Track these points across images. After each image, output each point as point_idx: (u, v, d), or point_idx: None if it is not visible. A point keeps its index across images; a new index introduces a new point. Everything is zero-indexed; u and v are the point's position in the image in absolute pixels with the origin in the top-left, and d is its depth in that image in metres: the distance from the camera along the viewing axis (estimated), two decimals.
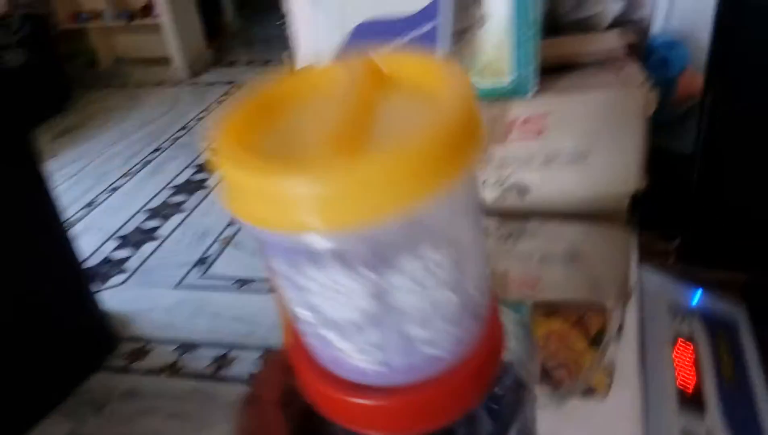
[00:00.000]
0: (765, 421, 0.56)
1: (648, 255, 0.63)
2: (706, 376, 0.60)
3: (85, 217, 2.33)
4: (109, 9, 3.48)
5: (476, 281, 0.21)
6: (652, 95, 0.53)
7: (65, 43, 3.46)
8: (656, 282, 0.71)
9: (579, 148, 0.55)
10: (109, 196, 2.46)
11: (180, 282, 1.90)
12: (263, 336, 1.61)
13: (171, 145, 2.82)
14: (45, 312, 1.43)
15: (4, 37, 3.04)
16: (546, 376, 0.46)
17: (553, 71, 0.59)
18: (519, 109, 0.55)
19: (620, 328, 0.48)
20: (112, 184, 2.54)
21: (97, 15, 3.55)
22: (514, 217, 0.59)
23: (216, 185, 2.35)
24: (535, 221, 0.59)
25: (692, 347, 0.63)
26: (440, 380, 0.20)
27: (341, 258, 0.17)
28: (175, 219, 2.24)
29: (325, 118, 0.19)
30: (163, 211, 2.30)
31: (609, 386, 0.47)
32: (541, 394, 0.45)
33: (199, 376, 1.54)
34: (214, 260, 1.98)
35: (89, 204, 2.42)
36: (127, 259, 2.06)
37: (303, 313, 0.20)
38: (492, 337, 0.22)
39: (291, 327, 0.22)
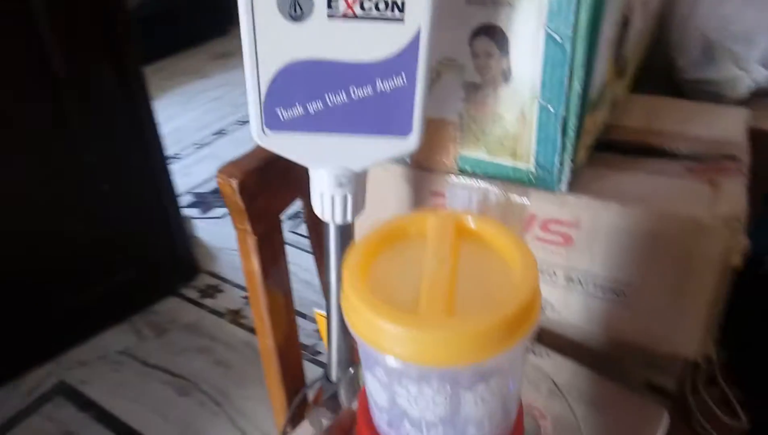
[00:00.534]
0: None
1: None
2: None
3: (212, 143, 2.44)
4: None
5: (516, 394, 0.28)
6: (742, 241, 0.36)
7: None
8: None
9: (617, 279, 0.40)
10: (239, 128, 2.55)
11: None
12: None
13: None
14: (134, 228, 1.51)
15: None
16: None
17: (617, 150, 0.43)
18: (542, 204, 0.41)
19: None
20: (246, 116, 2.63)
21: None
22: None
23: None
24: (541, 348, 0.45)
25: None
26: None
27: (428, 380, 0.24)
28: None
29: (424, 262, 0.26)
30: None
31: None
32: None
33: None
34: None
35: (220, 131, 2.53)
36: None
37: (385, 404, 0.26)
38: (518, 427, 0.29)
39: (364, 403, 0.29)
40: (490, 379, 0.24)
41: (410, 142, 0.35)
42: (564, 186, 0.40)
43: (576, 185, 0.40)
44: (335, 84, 0.33)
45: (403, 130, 0.35)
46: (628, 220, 0.39)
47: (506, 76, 0.37)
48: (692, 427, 0.47)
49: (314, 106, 0.34)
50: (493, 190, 0.42)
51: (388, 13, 0.31)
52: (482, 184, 0.42)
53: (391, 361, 0.24)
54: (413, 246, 0.27)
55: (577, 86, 0.35)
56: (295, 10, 0.30)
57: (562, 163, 0.38)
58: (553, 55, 0.35)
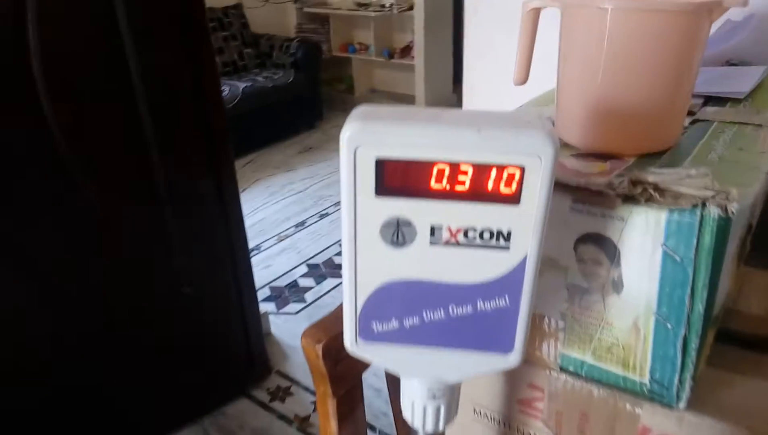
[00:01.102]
0: None
1: None
2: None
3: (292, 236, 2.51)
4: (375, 45, 3.74)
5: None
6: None
7: (331, 68, 3.82)
8: None
9: None
10: (318, 221, 2.61)
11: None
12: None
13: None
14: (211, 328, 1.54)
15: (281, 57, 3.46)
16: None
17: (737, 341, 0.39)
18: (658, 419, 0.36)
19: None
20: (325, 209, 2.70)
21: (364, 48, 3.85)
22: None
23: None
24: None
25: None
26: None
27: None
28: None
29: None
30: None
31: None
32: None
33: None
34: None
35: (301, 223, 2.60)
36: (309, 289, 2.15)
37: None
38: None
39: None
40: None
41: (511, 360, 0.33)
42: (683, 404, 0.35)
43: (695, 395, 0.36)
44: (434, 302, 0.31)
45: (504, 348, 0.32)
46: None
47: (617, 286, 0.34)
48: None
49: (410, 322, 0.32)
50: (600, 394, 0.38)
51: (493, 242, 0.29)
52: (586, 386, 0.39)
53: None
54: None
55: (699, 307, 0.32)
56: (397, 238, 0.29)
57: (681, 382, 0.34)
58: (672, 274, 0.32)
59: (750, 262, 0.46)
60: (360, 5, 3.73)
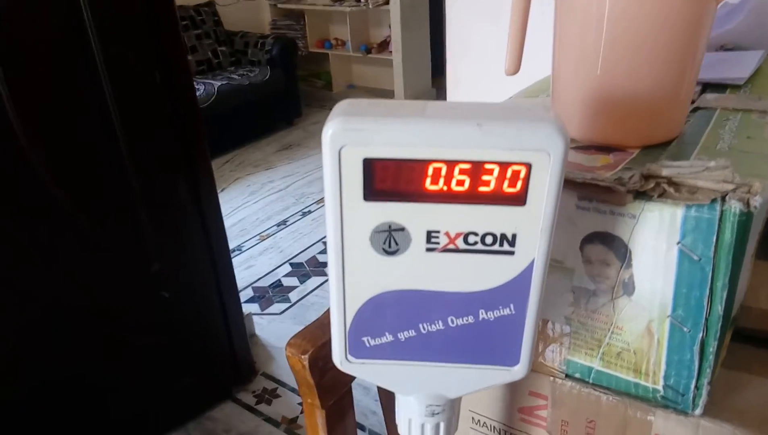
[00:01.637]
0: None
1: None
2: None
3: (274, 235, 2.46)
4: (352, 40, 3.69)
5: None
6: None
7: (308, 65, 3.76)
8: None
9: None
10: (300, 219, 2.57)
11: None
12: None
13: None
14: (193, 333, 1.50)
15: (257, 55, 3.40)
16: None
17: (750, 340, 0.37)
18: (672, 426, 0.34)
19: None
20: (307, 207, 2.66)
21: (341, 44, 3.80)
22: None
23: None
24: None
25: None
26: None
27: None
28: None
29: None
30: None
31: None
32: None
33: None
34: None
35: (282, 222, 2.56)
36: (293, 288, 2.11)
37: None
38: None
39: None
40: None
41: (516, 373, 0.30)
42: (700, 410, 0.33)
43: (711, 400, 0.34)
44: (431, 314, 0.29)
45: (509, 361, 0.30)
46: None
47: (628, 288, 0.32)
48: None
49: (406, 335, 0.29)
50: (609, 401, 0.36)
51: (496, 247, 0.26)
52: (594, 393, 0.36)
53: None
54: None
55: (718, 309, 0.29)
56: (390, 246, 0.27)
57: (698, 388, 0.32)
58: (689, 275, 0.29)
59: (758, 254, 0.44)
60: (335, 0, 3.68)
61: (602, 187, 0.30)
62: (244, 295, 2.04)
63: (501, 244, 0.26)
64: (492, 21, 0.84)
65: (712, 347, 0.31)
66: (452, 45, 0.95)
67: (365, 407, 1.56)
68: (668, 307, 0.31)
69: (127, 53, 1.11)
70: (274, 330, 1.90)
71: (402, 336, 0.29)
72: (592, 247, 0.32)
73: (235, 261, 2.05)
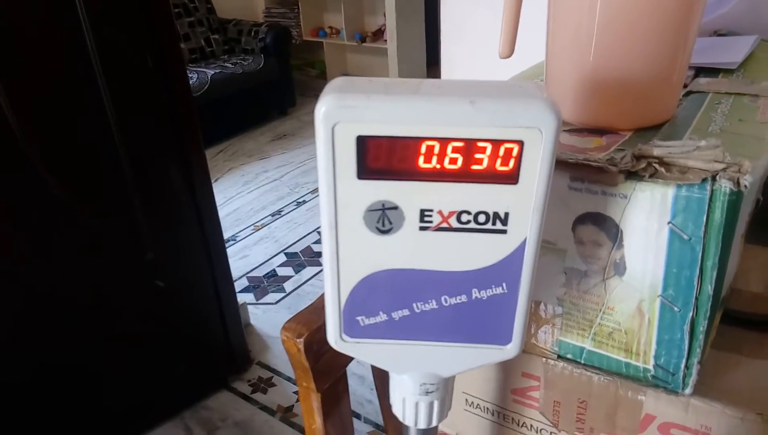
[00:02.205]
0: None
1: None
2: None
3: (269, 225, 2.46)
4: (346, 28, 3.68)
5: None
6: None
7: (302, 53, 3.74)
8: None
9: None
10: (294, 209, 2.57)
11: None
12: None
13: None
14: (188, 322, 1.50)
15: (250, 43, 3.38)
16: None
17: (740, 322, 0.37)
18: (662, 406, 0.34)
19: None
20: (302, 197, 2.65)
21: (335, 32, 3.78)
22: None
23: None
24: None
25: None
26: None
27: None
28: None
29: None
30: None
31: None
32: None
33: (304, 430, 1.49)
34: None
35: (277, 212, 2.56)
36: (288, 278, 2.12)
37: None
38: None
39: None
40: None
41: (509, 351, 0.30)
42: (690, 389, 0.33)
43: (701, 381, 0.34)
44: (424, 293, 0.29)
45: (501, 339, 0.30)
46: None
47: (619, 268, 0.32)
48: None
49: (399, 314, 0.30)
50: (600, 381, 0.36)
51: (489, 226, 0.27)
52: (586, 373, 0.37)
53: None
54: None
55: (708, 288, 0.30)
56: (383, 225, 0.27)
57: (688, 367, 0.32)
58: (679, 254, 0.30)
59: (748, 239, 0.45)
60: None
61: (594, 168, 0.30)
62: (239, 285, 2.04)
63: (494, 223, 0.26)
64: (487, 4, 0.84)
65: (702, 326, 0.31)
66: (447, 28, 0.95)
67: (361, 396, 1.57)
68: (659, 287, 0.31)
69: (119, 37, 1.10)
70: (269, 319, 1.91)
71: (396, 315, 0.30)
72: (584, 228, 0.32)
73: (230, 251, 2.05)
